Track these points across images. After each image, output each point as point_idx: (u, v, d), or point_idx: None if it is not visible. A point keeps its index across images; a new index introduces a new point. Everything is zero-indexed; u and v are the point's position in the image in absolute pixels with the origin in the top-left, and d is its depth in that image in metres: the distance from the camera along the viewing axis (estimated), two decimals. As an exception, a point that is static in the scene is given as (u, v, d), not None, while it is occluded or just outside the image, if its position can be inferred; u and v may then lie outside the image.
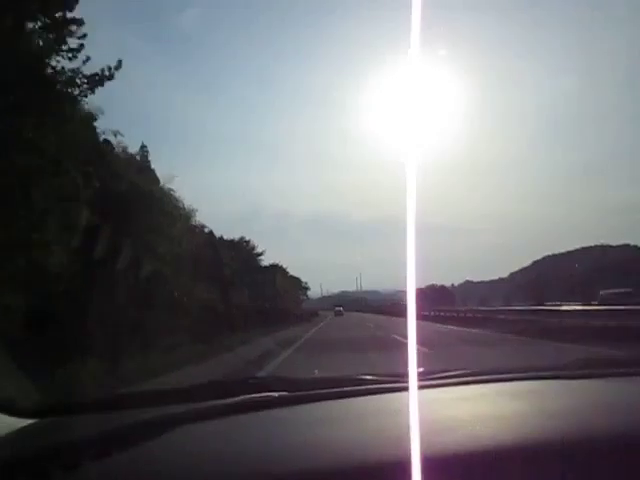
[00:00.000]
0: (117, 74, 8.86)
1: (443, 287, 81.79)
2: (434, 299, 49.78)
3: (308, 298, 79.33)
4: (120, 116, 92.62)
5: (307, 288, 78.57)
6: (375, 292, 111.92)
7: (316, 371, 6.61)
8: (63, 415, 1.36)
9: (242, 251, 37.60)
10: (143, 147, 17.77)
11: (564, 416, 1.09)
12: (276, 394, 1.33)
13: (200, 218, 22.48)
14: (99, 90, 8.76)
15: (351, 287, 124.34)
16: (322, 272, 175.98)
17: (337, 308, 63.44)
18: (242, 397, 1.29)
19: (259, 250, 43.20)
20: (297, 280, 71.54)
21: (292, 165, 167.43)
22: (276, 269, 55.45)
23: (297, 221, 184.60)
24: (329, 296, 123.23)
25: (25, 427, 1.23)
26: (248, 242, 40.56)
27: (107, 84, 8.79)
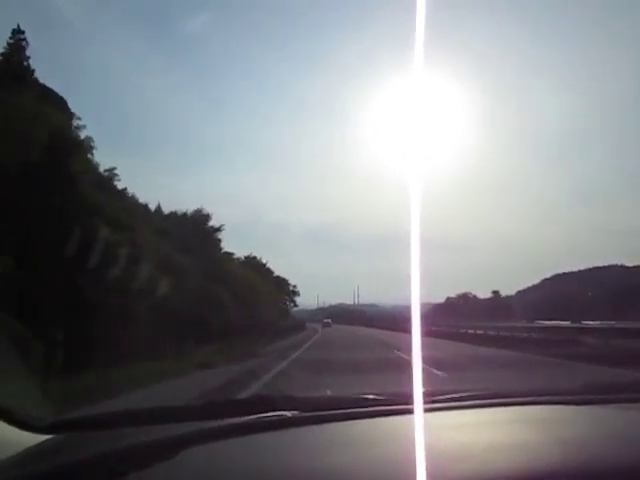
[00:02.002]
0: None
1: (475, 297, 72.84)
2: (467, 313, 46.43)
3: (296, 306, 69.95)
4: (120, 118, 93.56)
5: (296, 292, 66.73)
6: (373, 305, 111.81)
7: (328, 391, 6.54)
8: (78, 430, 1.38)
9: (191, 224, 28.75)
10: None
11: (573, 445, 1.09)
12: (289, 414, 1.36)
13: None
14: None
15: (349, 300, 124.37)
16: (319, 283, 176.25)
17: (325, 320, 68.43)
18: (256, 416, 1.32)
19: (215, 224, 31.96)
20: (283, 282, 62.05)
21: (292, 176, 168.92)
22: (252, 262, 46.05)
23: (296, 231, 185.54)
24: (326, 308, 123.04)
25: (41, 443, 1.25)
26: (200, 211, 31.09)
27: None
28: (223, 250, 33.30)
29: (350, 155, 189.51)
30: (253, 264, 47.00)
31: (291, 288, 67.19)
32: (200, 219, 30.70)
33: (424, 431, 0.92)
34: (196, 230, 28.10)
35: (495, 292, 65.78)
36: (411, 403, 1.35)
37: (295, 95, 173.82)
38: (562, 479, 0.87)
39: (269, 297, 41.00)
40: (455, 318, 43.38)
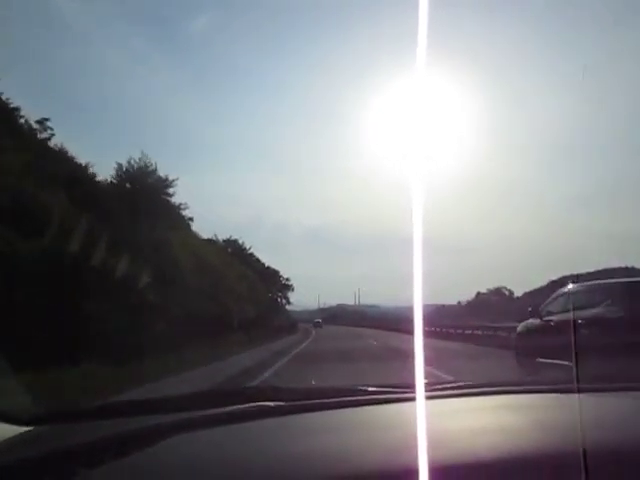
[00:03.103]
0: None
1: (511, 294, 65.28)
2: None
3: (289, 303, 64.31)
4: (120, 117, 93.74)
5: (289, 286, 60.04)
6: (374, 306, 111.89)
7: (313, 381, 6.48)
8: (59, 423, 1.39)
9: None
10: None
11: (561, 430, 1.13)
12: (272, 404, 1.35)
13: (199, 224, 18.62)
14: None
15: (349, 301, 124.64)
16: (320, 284, 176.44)
17: (316, 320, 69.83)
18: (237, 406, 1.32)
19: (167, 177, 24.50)
20: (273, 273, 54.67)
21: (293, 176, 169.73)
22: (231, 246, 41.16)
23: (297, 232, 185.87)
24: (327, 308, 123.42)
25: (21, 435, 1.26)
26: (148, 168, 23.72)
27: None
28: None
29: (351, 156, 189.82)
30: (233, 248, 41.21)
31: (283, 281, 59.77)
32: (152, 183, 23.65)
33: (422, 417, 0.94)
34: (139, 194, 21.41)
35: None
36: (404, 392, 1.39)
37: (296, 95, 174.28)
38: (544, 461, 0.92)
39: (247, 288, 32.24)
40: (477, 318, 38.35)
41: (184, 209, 27.67)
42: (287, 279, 61.50)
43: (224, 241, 41.86)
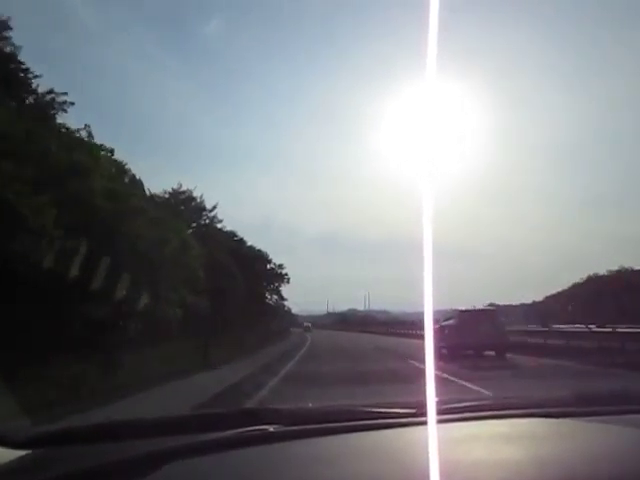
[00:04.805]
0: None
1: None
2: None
3: (283, 299, 52.68)
4: (136, 121, 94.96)
5: (283, 276, 46.36)
6: (384, 312, 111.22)
7: (310, 404, 6.11)
8: (55, 445, 1.37)
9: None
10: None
11: (572, 464, 1.10)
12: (272, 428, 1.33)
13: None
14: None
15: (359, 305, 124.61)
16: (330, 289, 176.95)
17: (306, 324, 71.97)
18: (237, 430, 1.31)
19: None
20: (258, 257, 39.88)
21: (304, 180, 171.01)
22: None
23: (307, 237, 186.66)
24: (336, 313, 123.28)
25: (18, 459, 1.23)
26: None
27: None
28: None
29: (362, 160, 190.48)
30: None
31: (275, 269, 44.60)
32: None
33: (411, 446, 0.90)
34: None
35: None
36: (412, 415, 1.35)
37: (310, 100, 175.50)
38: None
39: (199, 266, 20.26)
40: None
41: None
42: (280, 266, 45.66)
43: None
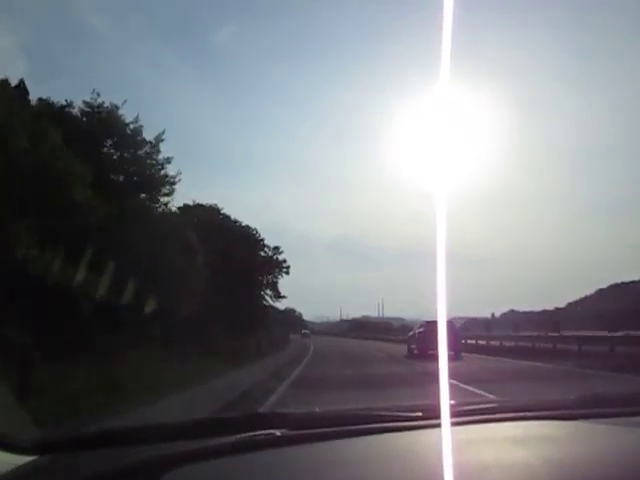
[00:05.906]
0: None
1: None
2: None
3: (280, 296, 39.10)
4: (149, 128, 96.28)
5: (281, 265, 36.04)
6: (399, 318, 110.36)
7: (317, 408, 6.11)
8: (63, 451, 1.39)
9: None
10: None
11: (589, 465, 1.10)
12: (279, 432, 1.34)
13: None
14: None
15: (373, 312, 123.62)
16: (344, 296, 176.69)
17: (304, 331, 71.76)
18: (243, 435, 1.32)
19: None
20: (250, 237, 29.61)
21: (317, 187, 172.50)
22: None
23: (320, 243, 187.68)
24: (349, 320, 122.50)
25: (25, 465, 1.24)
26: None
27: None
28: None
29: (375, 167, 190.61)
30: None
31: (273, 255, 34.82)
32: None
33: (420, 449, 0.90)
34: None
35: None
36: (418, 419, 1.36)
37: (321, 108, 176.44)
38: None
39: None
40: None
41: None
42: (277, 248, 35.57)
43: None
